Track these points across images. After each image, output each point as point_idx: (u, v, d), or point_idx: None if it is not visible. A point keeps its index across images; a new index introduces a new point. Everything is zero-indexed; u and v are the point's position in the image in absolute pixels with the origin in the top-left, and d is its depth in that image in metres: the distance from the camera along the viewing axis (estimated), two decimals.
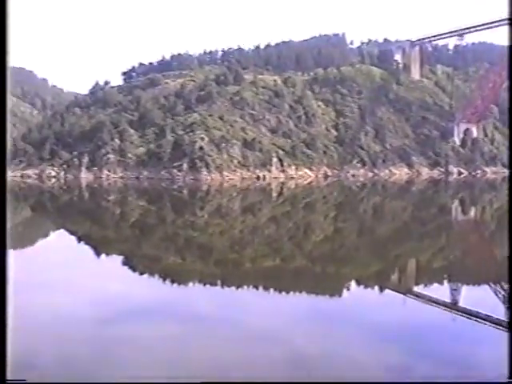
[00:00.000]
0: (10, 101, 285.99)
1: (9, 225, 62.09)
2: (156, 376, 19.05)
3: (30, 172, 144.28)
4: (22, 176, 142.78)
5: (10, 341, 24.10)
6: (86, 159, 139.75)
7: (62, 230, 71.82)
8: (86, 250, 54.59)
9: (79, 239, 61.76)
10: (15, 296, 32.49)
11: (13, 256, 52.41)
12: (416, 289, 34.21)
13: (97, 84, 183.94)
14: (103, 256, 50.78)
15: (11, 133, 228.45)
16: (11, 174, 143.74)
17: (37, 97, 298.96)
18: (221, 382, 18.30)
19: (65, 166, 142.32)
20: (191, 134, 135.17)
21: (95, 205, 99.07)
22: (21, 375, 19.11)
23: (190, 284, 38.60)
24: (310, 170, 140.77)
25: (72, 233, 67.36)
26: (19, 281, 37.28)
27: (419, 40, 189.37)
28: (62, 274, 39.08)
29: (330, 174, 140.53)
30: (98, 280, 37.98)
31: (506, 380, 4.32)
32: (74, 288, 34.89)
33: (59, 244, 60.01)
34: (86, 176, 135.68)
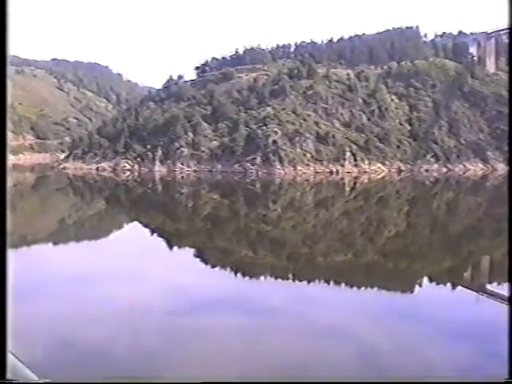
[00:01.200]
0: (86, 95, 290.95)
1: (84, 216, 63.37)
2: (224, 371, 19.30)
3: (104, 165, 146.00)
4: (97, 169, 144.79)
5: (85, 331, 24.68)
6: (159, 153, 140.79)
7: (135, 223, 72.84)
8: (159, 242, 55.33)
9: (152, 231, 62.63)
10: (91, 287, 33.28)
11: (88, 247, 53.70)
12: (489, 287, 33.76)
13: (170, 78, 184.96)
14: (175, 248, 51.41)
15: (87, 126, 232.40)
16: (87, 167, 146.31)
17: (112, 91, 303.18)
18: (290, 382, 18.42)
19: (139, 159, 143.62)
20: (264, 127, 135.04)
21: (168, 198, 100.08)
22: (94, 365, 19.58)
23: (262, 278, 38.84)
24: (383, 164, 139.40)
25: (145, 225, 68.32)
26: (94, 272, 38.16)
27: (495, 32, 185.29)
28: (135, 265, 39.74)
29: (403, 168, 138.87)
30: (171, 272, 38.49)
31: (506, 380, 4.27)
32: (146, 280, 35.45)
33: (133, 236, 61.00)
34: (159, 169, 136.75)
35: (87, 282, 34.49)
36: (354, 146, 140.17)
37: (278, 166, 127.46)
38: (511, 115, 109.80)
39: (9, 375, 2.85)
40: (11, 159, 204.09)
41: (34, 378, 1.78)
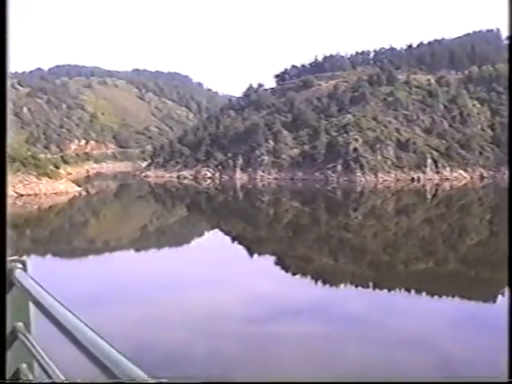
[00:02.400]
0: (166, 105, 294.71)
1: (165, 223, 64.41)
2: (299, 378, 19.63)
3: (185, 173, 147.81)
4: (178, 177, 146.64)
5: (164, 335, 25.27)
6: (240, 160, 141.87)
7: (216, 230, 73.70)
8: (240, 249, 55.96)
9: (233, 239, 63.37)
10: (172, 293, 33.99)
11: (169, 254, 54.67)
12: None
13: (250, 87, 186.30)
14: (256, 256, 51.92)
15: (168, 135, 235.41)
16: (168, 175, 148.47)
17: (192, 100, 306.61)
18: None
19: (220, 167, 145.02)
20: (345, 135, 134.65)
21: (249, 205, 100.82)
22: (169, 367, 20.13)
23: (342, 285, 39.04)
24: (465, 171, 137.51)
25: (226, 232, 69.14)
26: (174, 278, 38.92)
27: None
28: (215, 272, 40.31)
29: (485, 175, 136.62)
30: (251, 279, 38.95)
31: (506, 380, 4.39)
32: (226, 286, 35.98)
33: (214, 243, 61.80)
34: (240, 177, 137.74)
35: (168, 288, 35.23)
36: (436, 153, 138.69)
37: (359, 174, 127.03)
38: (511, 115, 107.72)
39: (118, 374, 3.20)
40: (94, 167, 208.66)
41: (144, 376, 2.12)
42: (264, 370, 21.21)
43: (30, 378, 3.15)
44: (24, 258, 3.21)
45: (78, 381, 5.07)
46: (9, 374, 3.22)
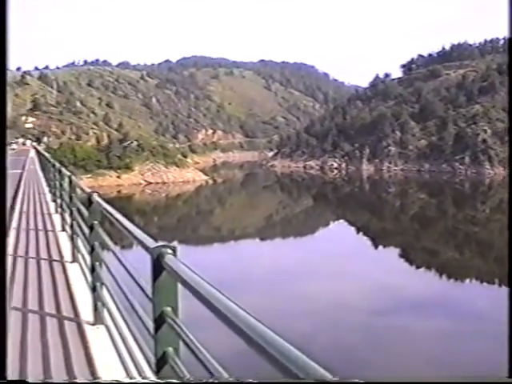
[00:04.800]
0: (293, 95, 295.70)
1: (291, 213, 64.54)
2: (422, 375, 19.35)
3: (312, 163, 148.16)
4: (304, 167, 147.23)
5: (286, 326, 25.43)
6: (367, 151, 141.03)
7: (341, 221, 73.45)
8: (364, 240, 55.63)
9: (358, 230, 63.09)
10: (296, 283, 34.14)
11: (294, 244, 54.89)
12: None
13: (377, 77, 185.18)
14: (381, 247, 51.51)
15: (295, 125, 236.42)
16: (294, 165, 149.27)
17: (318, 91, 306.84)
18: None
19: (346, 157, 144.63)
20: (474, 126, 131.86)
21: (375, 196, 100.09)
22: None
23: (467, 281, 38.27)
24: None
25: (351, 223, 68.88)
26: (299, 268, 39.05)
27: None
28: (340, 263, 40.28)
29: None
30: (375, 271, 38.70)
31: (506, 380, 4.12)
32: (351, 278, 35.89)
33: (339, 234, 61.69)
34: (367, 168, 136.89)
35: (292, 278, 35.38)
36: None
37: (488, 166, 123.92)
38: (511, 116, 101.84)
39: None
40: (221, 157, 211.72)
41: None
42: (388, 363, 21.07)
43: (177, 361, 3.23)
44: (175, 244, 3.29)
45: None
46: (156, 358, 3.32)
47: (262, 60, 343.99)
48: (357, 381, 3.40)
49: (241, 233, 64.30)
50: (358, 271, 37.93)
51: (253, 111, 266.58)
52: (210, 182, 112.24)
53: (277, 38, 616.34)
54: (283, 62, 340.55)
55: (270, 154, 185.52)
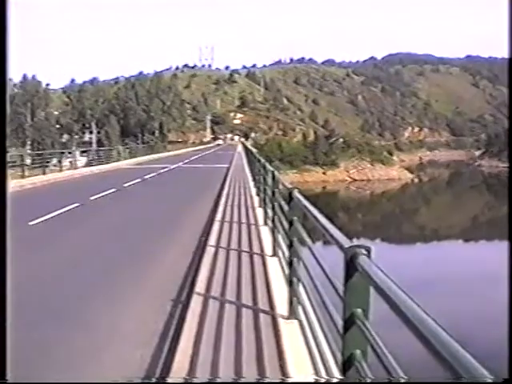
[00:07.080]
0: None
1: (497, 215, 62.05)
2: None
3: None
4: None
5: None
6: None
7: None
8: None
9: None
10: (497, 287, 32.87)
11: (500, 247, 52.95)
12: None
13: None
14: None
15: (503, 123, 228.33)
16: (502, 165, 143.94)
17: None
18: None
19: None
20: None
21: None
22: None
23: None
24: None
25: None
26: (502, 273, 37.55)
27: None
28: None
29: None
30: None
31: (506, 380, 3.53)
32: None
33: None
34: None
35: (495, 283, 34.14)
36: None
37: None
38: (511, 115, 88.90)
39: None
40: (427, 155, 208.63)
41: None
42: None
43: (364, 365, 3.19)
44: (368, 245, 3.25)
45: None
46: (343, 358, 3.29)
47: (469, 56, 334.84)
48: (358, 381, 3.25)
49: (445, 233, 62.92)
50: None
51: (460, 109, 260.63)
52: (416, 180, 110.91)
53: (483, 31, 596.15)
54: (490, 58, 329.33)
55: (478, 153, 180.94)
